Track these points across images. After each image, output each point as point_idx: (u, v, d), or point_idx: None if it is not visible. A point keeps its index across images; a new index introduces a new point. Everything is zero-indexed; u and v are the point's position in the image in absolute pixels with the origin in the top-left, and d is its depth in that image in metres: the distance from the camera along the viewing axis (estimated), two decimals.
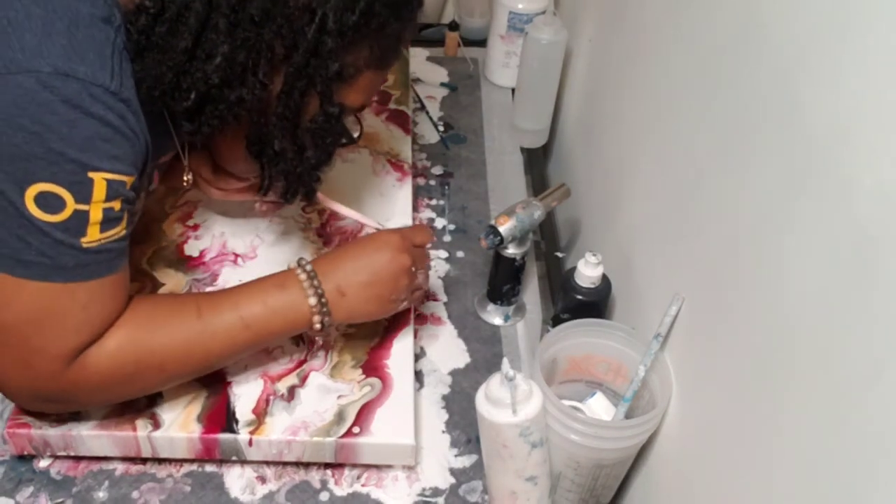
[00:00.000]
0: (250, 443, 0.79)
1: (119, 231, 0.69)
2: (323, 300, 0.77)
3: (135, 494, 0.80)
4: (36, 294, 0.66)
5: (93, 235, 0.66)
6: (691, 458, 0.75)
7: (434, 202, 1.14)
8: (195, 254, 0.96)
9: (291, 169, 0.79)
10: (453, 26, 1.41)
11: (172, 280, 0.92)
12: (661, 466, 0.81)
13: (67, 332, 0.68)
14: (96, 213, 0.66)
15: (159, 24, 0.68)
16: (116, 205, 0.67)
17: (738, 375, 0.66)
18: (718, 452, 0.69)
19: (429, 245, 0.87)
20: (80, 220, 0.65)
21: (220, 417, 0.80)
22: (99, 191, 0.65)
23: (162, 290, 0.91)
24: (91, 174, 0.64)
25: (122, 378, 0.72)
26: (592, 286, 0.89)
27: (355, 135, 0.85)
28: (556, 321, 0.90)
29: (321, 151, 0.79)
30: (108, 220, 0.67)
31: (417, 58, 1.40)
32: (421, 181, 1.17)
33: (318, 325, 0.78)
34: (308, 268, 0.78)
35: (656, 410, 0.77)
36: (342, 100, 0.76)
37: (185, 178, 0.88)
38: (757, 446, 0.62)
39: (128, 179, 0.68)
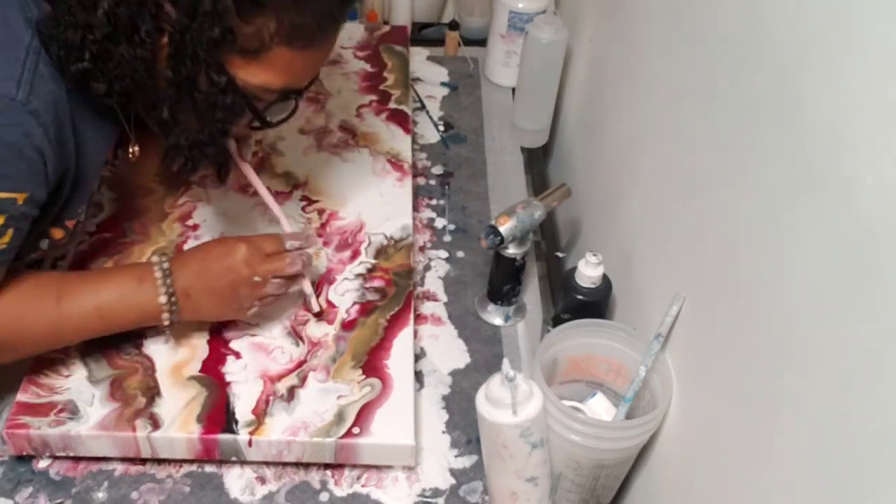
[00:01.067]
0: (250, 443, 0.79)
1: None
2: (173, 299, 0.79)
3: (134, 495, 0.79)
4: None
5: None
6: (692, 459, 0.75)
7: (434, 202, 1.14)
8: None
9: (181, 141, 0.76)
10: (453, 26, 1.41)
11: None
12: (661, 467, 0.81)
13: None
14: None
15: None
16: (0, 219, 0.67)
17: (739, 375, 0.66)
18: (719, 452, 0.69)
19: (296, 248, 0.84)
20: None
21: (220, 418, 0.80)
22: None
23: None
24: None
25: None
26: (593, 286, 0.89)
27: (282, 116, 0.81)
28: (557, 321, 0.90)
29: (212, 126, 0.75)
30: None
31: (417, 57, 1.40)
32: (421, 181, 1.17)
33: (165, 322, 0.80)
34: (165, 265, 0.80)
35: (657, 411, 0.77)
36: (248, 77, 0.72)
37: (130, 150, 0.87)
38: (758, 446, 0.62)
39: (18, 196, 0.67)
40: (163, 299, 0.79)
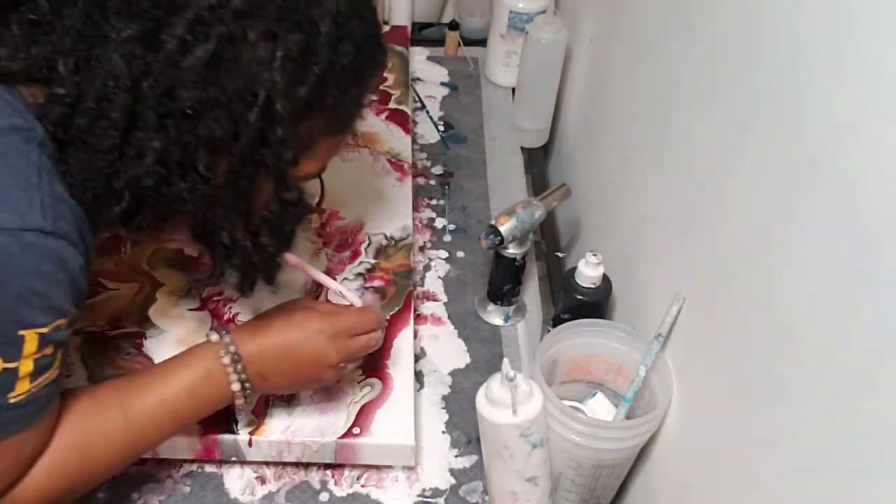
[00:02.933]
0: (250, 443, 0.79)
1: (51, 374, 0.62)
2: (246, 385, 0.74)
3: (134, 495, 0.79)
4: None
5: (22, 388, 0.59)
6: (692, 459, 0.75)
7: (434, 202, 1.14)
8: (195, 254, 0.96)
9: (246, 261, 0.71)
10: (453, 26, 1.41)
11: (172, 280, 0.92)
12: (661, 467, 0.81)
13: None
14: (27, 367, 0.59)
15: (77, 115, 0.59)
16: (49, 350, 0.60)
17: (739, 375, 0.66)
18: (719, 453, 0.69)
19: (375, 330, 0.78)
20: (9, 377, 0.58)
21: (220, 418, 0.80)
22: (30, 345, 0.58)
23: (161, 291, 0.91)
24: (22, 332, 0.57)
25: (55, 499, 0.67)
26: (593, 286, 0.89)
27: (314, 201, 0.77)
28: (557, 321, 0.90)
29: (279, 239, 0.71)
30: (40, 369, 0.60)
31: (417, 57, 1.40)
32: (421, 181, 1.17)
33: (239, 403, 0.75)
34: (232, 349, 0.73)
35: (657, 411, 0.77)
36: (298, 174, 0.68)
37: (123, 249, 0.82)
38: (758, 446, 0.62)
39: (64, 322, 0.61)
40: (236, 387, 0.73)
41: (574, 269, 0.90)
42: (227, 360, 0.73)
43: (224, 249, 0.70)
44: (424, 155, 1.22)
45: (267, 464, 0.82)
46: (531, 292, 1.05)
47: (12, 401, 0.59)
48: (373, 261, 0.97)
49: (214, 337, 0.75)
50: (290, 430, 0.80)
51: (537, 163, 1.29)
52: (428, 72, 1.38)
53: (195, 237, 0.72)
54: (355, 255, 0.97)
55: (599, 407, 0.85)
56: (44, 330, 0.59)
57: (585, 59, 1.20)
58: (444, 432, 0.87)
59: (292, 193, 0.68)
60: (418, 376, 0.92)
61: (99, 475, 0.70)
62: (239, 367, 0.73)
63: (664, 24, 0.88)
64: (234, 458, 0.81)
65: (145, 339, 0.87)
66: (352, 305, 0.80)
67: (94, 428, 0.68)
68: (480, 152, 1.24)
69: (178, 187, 0.63)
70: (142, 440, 0.71)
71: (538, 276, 1.08)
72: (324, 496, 0.81)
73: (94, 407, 0.69)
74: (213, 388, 0.73)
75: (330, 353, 0.75)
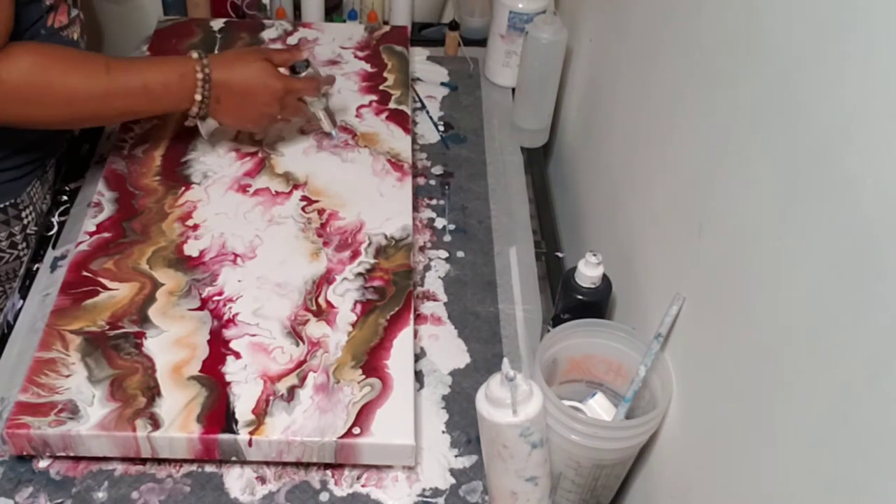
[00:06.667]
0: (250, 443, 0.79)
1: None
2: (205, 100, 0.95)
3: (134, 495, 0.79)
4: None
5: None
6: (692, 459, 0.75)
7: (434, 202, 1.14)
8: (195, 254, 0.96)
9: None
10: (453, 26, 1.41)
11: (172, 280, 0.92)
12: (661, 467, 0.81)
13: None
14: None
15: None
16: None
17: (739, 375, 0.66)
18: (719, 452, 0.69)
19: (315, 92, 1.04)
20: None
21: (220, 417, 0.80)
22: None
23: (161, 291, 0.91)
24: None
25: (32, 95, 0.86)
26: (593, 286, 0.89)
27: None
28: (557, 321, 0.90)
29: None
30: None
31: (417, 57, 1.40)
32: (421, 181, 1.17)
33: (192, 114, 0.97)
34: (207, 71, 0.94)
35: (657, 411, 0.77)
36: None
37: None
38: (757, 446, 0.62)
39: None
40: (198, 97, 0.95)
41: (574, 269, 0.90)
42: (200, 75, 0.94)
43: None
44: (424, 155, 1.22)
45: (267, 464, 0.82)
46: (531, 292, 1.05)
47: None
48: (373, 261, 0.97)
49: (195, 55, 0.95)
50: (290, 430, 0.80)
51: (537, 163, 1.29)
52: (428, 72, 1.38)
53: None
54: (355, 255, 0.97)
55: (599, 407, 0.85)
56: None
57: (585, 59, 1.20)
58: (444, 432, 0.87)
59: None
60: (418, 376, 0.92)
61: (69, 102, 0.89)
62: (207, 85, 0.95)
63: (664, 24, 0.88)
64: (234, 458, 0.81)
65: (145, 339, 0.87)
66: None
67: (82, 61, 0.90)
68: (480, 152, 1.24)
69: None
70: (114, 100, 0.91)
71: (538, 276, 1.08)
72: (324, 496, 0.81)
73: (84, 56, 0.91)
74: (181, 90, 0.94)
75: (275, 107, 1.00)
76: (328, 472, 0.83)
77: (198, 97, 0.95)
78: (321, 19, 1.42)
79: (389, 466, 0.83)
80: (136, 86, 0.91)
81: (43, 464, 0.81)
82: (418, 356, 0.94)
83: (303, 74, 1.02)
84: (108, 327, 0.87)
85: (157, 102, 0.94)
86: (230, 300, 0.91)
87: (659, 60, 0.89)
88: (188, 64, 0.94)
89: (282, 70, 1.01)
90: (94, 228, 0.97)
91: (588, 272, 0.88)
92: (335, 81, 1.11)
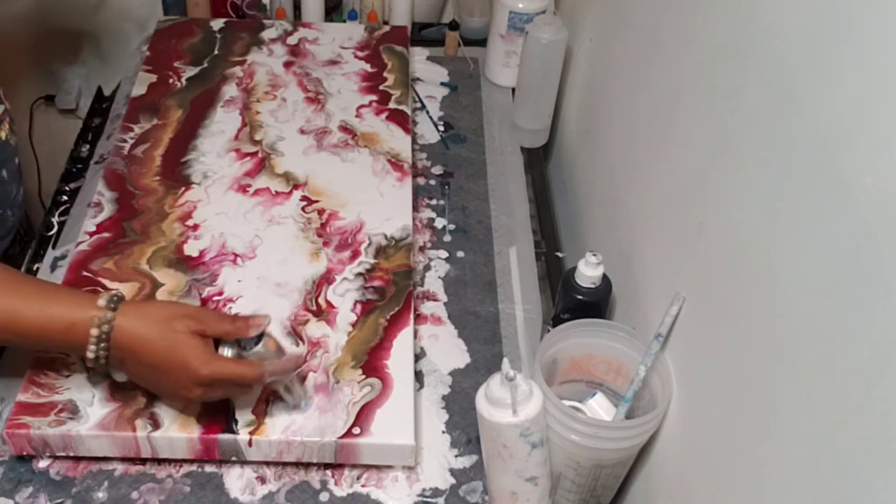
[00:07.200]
0: (250, 443, 0.79)
1: None
2: (100, 361, 0.74)
3: (134, 495, 0.79)
4: None
5: None
6: (692, 458, 0.75)
7: (434, 202, 1.14)
8: (195, 254, 0.96)
9: None
10: (453, 26, 1.41)
11: (172, 280, 0.92)
12: (661, 467, 0.81)
13: None
14: None
15: None
16: None
17: (739, 375, 0.66)
18: (719, 452, 0.69)
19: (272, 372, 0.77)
20: None
21: (220, 418, 0.80)
22: None
23: (161, 291, 0.91)
24: None
25: None
26: (593, 286, 0.89)
27: None
28: (557, 321, 0.90)
29: None
30: None
31: (417, 57, 1.40)
32: (421, 181, 1.17)
33: (89, 365, 0.75)
34: (105, 329, 0.73)
35: (657, 411, 0.77)
36: None
37: None
38: (757, 446, 0.62)
39: None
40: (90, 355, 0.74)
41: (574, 269, 0.90)
42: (95, 331, 0.73)
43: None
44: (424, 155, 1.22)
45: (267, 464, 0.82)
46: (531, 292, 1.05)
47: None
48: (373, 261, 0.97)
49: (101, 303, 0.74)
50: (290, 430, 0.80)
51: (537, 163, 1.29)
52: (428, 72, 1.38)
53: None
54: (355, 255, 0.98)
55: (599, 407, 0.85)
56: None
57: (585, 59, 1.20)
58: (444, 432, 0.87)
59: None
60: (418, 376, 0.92)
61: None
62: (102, 346, 0.73)
63: (664, 24, 0.88)
64: (234, 458, 0.81)
65: None
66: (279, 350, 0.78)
67: None
68: (480, 152, 1.24)
69: None
70: None
71: (538, 276, 1.08)
72: (324, 496, 0.81)
73: None
74: (68, 340, 0.74)
75: (195, 391, 0.75)
76: (328, 472, 0.83)
77: (90, 355, 0.73)
78: (321, 19, 1.42)
79: (389, 466, 0.83)
80: (8, 324, 0.73)
81: (43, 464, 0.81)
82: (418, 356, 0.94)
83: (249, 352, 0.76)
84: None
85: (35, 344, 0.76)
86: (230, 300, 0.91)
87: (659, 60, 0.89)
88: (88, 311, 0.73)
89: (223, 345, 0.77)
90: (94, 228, 0.97)
91: (588, 272, 0.88)
92: (303, 362, 0.84)
